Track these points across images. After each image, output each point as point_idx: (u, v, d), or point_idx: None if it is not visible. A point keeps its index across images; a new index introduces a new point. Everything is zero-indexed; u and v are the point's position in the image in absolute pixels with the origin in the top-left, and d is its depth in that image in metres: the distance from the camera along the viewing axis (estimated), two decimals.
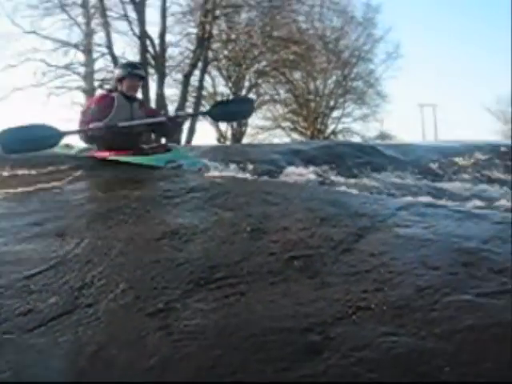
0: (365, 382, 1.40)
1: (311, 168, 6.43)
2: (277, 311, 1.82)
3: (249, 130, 26.14)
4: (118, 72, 5.50)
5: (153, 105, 18.95)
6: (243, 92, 24.53)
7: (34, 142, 4.82)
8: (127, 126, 5.12)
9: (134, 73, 5.40)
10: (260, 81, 25.42)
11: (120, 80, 5.35)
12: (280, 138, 27.33)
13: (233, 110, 5.87)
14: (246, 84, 25.08)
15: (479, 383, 1.33)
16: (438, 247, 2.20)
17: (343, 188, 4.22)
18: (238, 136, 24.00)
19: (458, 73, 54.75)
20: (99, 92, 6.93)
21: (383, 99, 27.52)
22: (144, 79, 6.01)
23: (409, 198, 3.23)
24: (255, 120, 24.55)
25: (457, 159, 8.06)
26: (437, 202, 2.97)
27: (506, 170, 7.54)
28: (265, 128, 27.53)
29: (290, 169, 6.32)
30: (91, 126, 4.98)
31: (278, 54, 23.43)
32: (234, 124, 23.15)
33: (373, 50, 26.79)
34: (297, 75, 26.17)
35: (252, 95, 24.61)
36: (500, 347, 1.46)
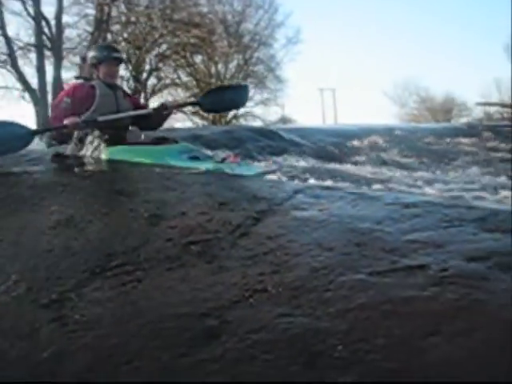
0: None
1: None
2: (174, 297, 1.81)
3: None
4: (92, 56, 4.68)
5: (49, 89, 18.38)
6: (144, 76, 24.18)
7: (2, 143, 4.07)
8: (109, 120, 4.38)
9: (112, 56, 4.65)
10: (161, 64, 25.11)
11: (95, 65, 4.60)
12: (182, 122, 27.13)
13: (226, 99, 5.11)
14: (147, 67, 24.71)
15: (370, 360, 1.37)
16: (332, 229, 2.25)
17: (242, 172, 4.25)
18: None
19: (358, 58, 56.18)
20: (73, 82, 5.92)
21: (284, 84, 27.89)
22: (122, 63, 5.14)
23: (306, 181, 3.28)
24: (156, 104, 24.26)
25: (355, 142, 8.28)
26: (333, 184, 3.05)
27: (400, 152, 7.83)
28: None
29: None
30: (66, 121, 4.20)
31: (178, 38, 23.23)
32: None
33: (273, 35, 27.04)
34: (198, 59, 26.06)
35: (153, 79, 24.35)
36: (390, 323, 1.51)
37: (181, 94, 27.12)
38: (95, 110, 4.40)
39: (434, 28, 53.49)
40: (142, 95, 22.99)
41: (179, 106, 5.09)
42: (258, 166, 4.40)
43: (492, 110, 28.34)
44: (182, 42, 23.30)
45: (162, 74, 25.32)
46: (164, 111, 4.81)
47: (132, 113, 4.63)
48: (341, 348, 1.41)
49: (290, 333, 1.51)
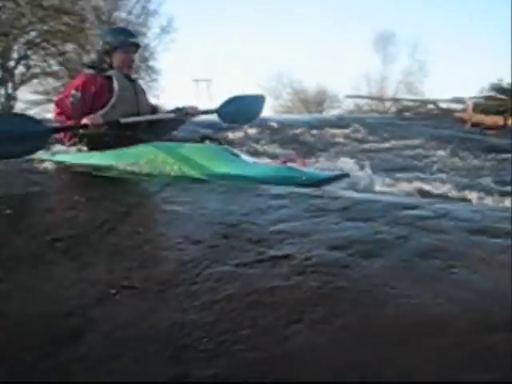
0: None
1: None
2: (37, 296, 1.76)
3: (18, 105, 24.61)
4: (103, 42, 3.95)
5: None
6: (11, 64, 23.07)
7: (13, 142, 3.18)
8: (131, 123, 3.69)
9: (129, 42, 3.90)
10: (30, 52, 24.04)
11: (108, 52, 3.87)
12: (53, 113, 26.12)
13: (244, 109, 4.55)
14: (15, 55, 23.59)
15: (235, 351, 1.39)
16: (201, 221, 2.27)
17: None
18: (6, 110, 22.52)
19: (233, 49, 56.50)
20: (83, 73, 4.12)
21: (158, 74, 27.53)
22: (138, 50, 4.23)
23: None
24: (25, 94, 23.16)
25: (229, 133, 8.33)
26: (203, 177, 3.04)
27: (274, 143, 7.98)
28: (36, 102, 26.17)
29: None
30: (87, 120, 3.45)
31: (48, 25, 22.33)
32: (1, 98, 21.69)
33: (147, 24, 26.56)
34: (69, 47, 25.16)
35: (21, 67, 23.28)
36: (255, 313, 1.54)
37: (52, 84, 26.19)
38: (114, 107, 3.72)
39: (307, 22, 54.76)
40: (10, 85, 21.93)
41: (200, 114, 4.11)
42: (328, 170, 3.73)
43: (362, 102, 29.43)
44: (52, 29, 22.41)
45: (31, 63, 24.20)
46: (184, 117, 4.17)
47: (155, 116, 4.00)
48: (206, 340, 1.42)
49: (156, 328, 1.51)
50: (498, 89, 17.98)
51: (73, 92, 3.68)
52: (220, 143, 3.75)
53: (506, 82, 18.32)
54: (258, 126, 8.86)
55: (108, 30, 4.01)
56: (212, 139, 3.82)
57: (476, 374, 1.20)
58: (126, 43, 3.86)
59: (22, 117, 3.47)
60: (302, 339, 1.40)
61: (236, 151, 3.62)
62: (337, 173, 3.40)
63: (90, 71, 3.90)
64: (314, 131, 9.14)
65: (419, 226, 2.15)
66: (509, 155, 7.87)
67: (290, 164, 3.33)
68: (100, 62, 3.92)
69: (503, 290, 1.59)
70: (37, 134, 3.34)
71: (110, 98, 3.73)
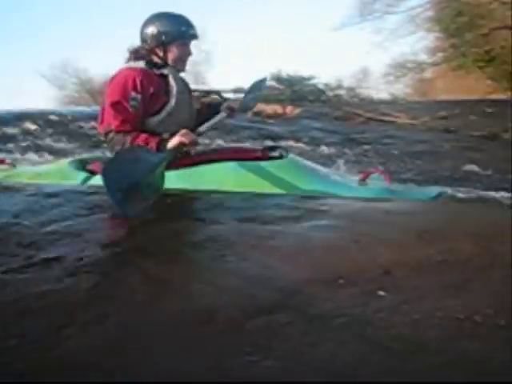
0: None
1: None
2: None
3: None
4: (158, 31, 3.13)
5: None
6: None
7: (144, 189, 2.32)
8: (204, 131, 3.09)
9: (190, 33, 3.19)
10: None
11: (163, 45, 3.14)
12: None
13: (257, 91, 3.86)
14: None
15: (2, 363, 1.33)
16: None
17: None
18: None
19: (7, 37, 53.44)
20: (127, 66, 3.12)
21: None
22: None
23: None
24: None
25: (6, 129, 7.92)
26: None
27: (54, 137, 7.72)
28: None
29: None
30: (183, 138, 2.83)
31: None
32: None
33: None
34: None
35: None
36: (25, 320, 1.48)
37: None
38: (170, 115, 3.09)
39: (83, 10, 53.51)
40: None
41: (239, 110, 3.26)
42: (421, 188, 3.51)
43: None
44: None
45: None
46: (233, 115, 3.40)
47: (218, 118, 3.23)
48: None
49: None
50: (278, 79, 19.03)
51: (132, 94, 2.94)
52: (286, 151, 3.38)
53: (284, 73, 19.46)
54: (38, 119, 8.52)
55: (160, 16, 3.23)
56: (275, 148, 3.44)
57: (243, 358, 1.26)
58: (188, 34, 3.20)
59: (141, 149, 2.70)
60: (73, 343, 1.38)
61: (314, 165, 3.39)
62: (438, 191, 3.23)
63: (140, 65, 3.13)
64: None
65: (194, 218, 2.22)
66: (289, 142, 8.41)
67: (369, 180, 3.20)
68: (149, 55, 3.19)
69: (269, 273, 1.70)
70: (159, 170, 2.53)
71: (166, 103, 3.11)
